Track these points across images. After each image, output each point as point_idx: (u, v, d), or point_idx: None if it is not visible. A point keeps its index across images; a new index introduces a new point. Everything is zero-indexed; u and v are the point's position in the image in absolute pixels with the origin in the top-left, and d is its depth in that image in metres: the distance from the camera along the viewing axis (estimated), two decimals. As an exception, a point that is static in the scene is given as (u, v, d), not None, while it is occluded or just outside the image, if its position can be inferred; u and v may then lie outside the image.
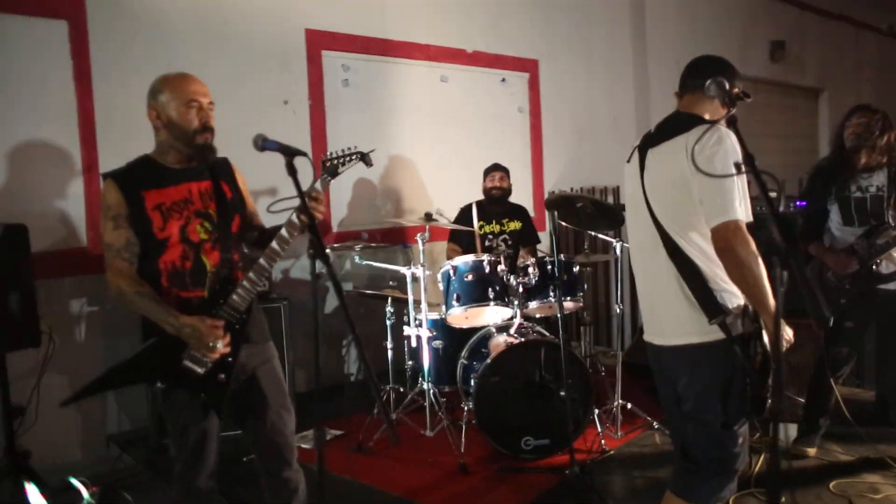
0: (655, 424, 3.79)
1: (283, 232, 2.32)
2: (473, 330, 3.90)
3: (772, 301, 1.99)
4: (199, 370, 2.25)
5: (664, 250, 2.20)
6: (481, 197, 4.87)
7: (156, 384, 2.26)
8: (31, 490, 3.05)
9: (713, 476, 2.19)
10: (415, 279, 3.85)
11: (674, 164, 2.16)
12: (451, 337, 3.97)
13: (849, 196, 3.41)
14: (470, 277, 3.70)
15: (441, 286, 3.88)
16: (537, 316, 3.97)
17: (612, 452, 3.60)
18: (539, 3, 6.37)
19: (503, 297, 3.70)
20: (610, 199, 6.85)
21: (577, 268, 3.83)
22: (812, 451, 3.57)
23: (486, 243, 4.62)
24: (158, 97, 2.35)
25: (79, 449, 3.90)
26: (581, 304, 3.88)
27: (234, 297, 2.30)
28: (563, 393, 3.35)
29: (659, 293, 2.26)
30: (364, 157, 2.55)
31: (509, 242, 4.67)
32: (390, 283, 4.86)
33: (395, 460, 3.59)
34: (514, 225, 4.75)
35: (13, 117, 3.70)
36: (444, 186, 5.65)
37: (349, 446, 3.74)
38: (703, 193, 2.09)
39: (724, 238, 2.06)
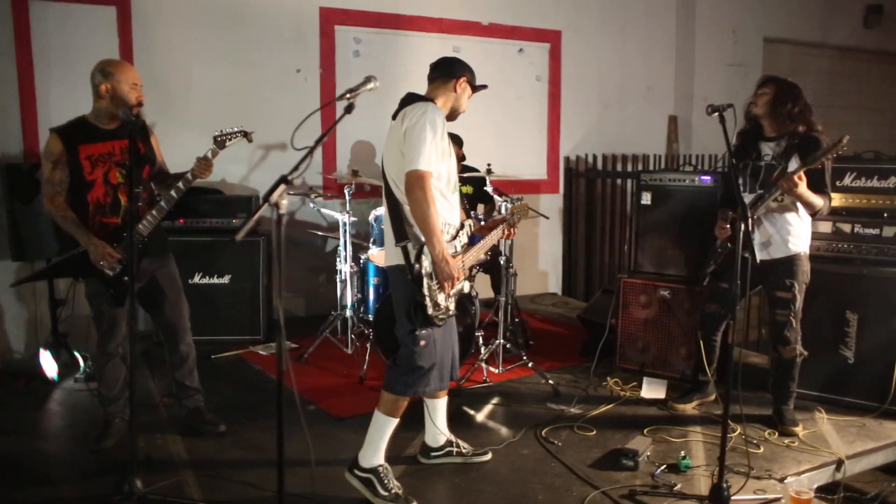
0: (530, 364, 4.33)
1: (180, 184, 3.17)
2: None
3: (438, 241, 2.66)
4: (108, 272, 3.20)
5: (385, 194, 2.85)
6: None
7: (79, 278, 3.27)
8: (45, 355, 4.27)
9: (405, 372, 2.85)
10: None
11: (399, 129, 2.77)
12: (383, 275, 4.73)
13: (748, 164, 3.60)
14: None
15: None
16: None
17: (489, 383, 4.22)
18: (567, -24, 6.70)
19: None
20: (639, 166, 7.13)
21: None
22: (684, 406, 3.89)
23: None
24: (110, 77, 3.19)
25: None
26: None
27: (140, 226, 3.21)
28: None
29: (385, 227, 2.91)
30: (246, 135, 3.24)
31: (465, 203, 5.26)
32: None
33: (319, 369, 4.46)
34: (467, 189, 5.32)
35: (71, 87, 4.87)
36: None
37: (294, 356, 4.66)
38: (405, 148, 2.72)
39: (409, 182, 2.69)
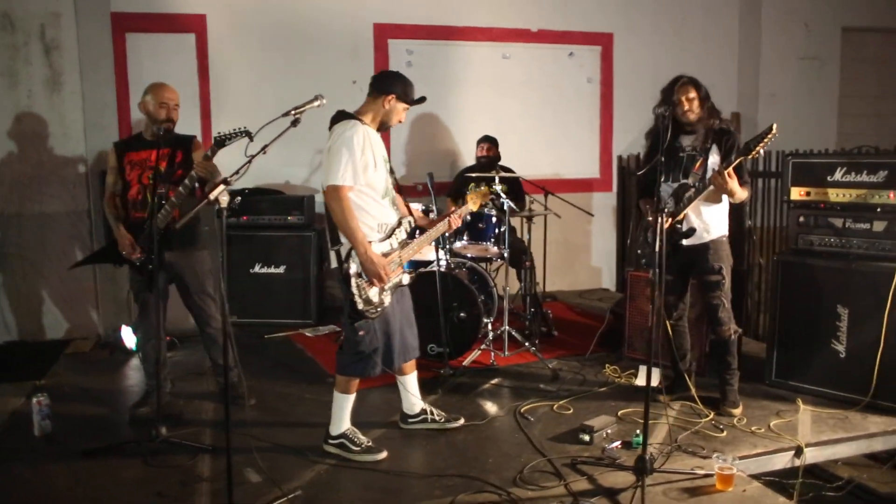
0: (532, 349, 4.64)
1: (186, 181, 3.71)
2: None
3: (360, 243, 3.11)
4: (135, 261, 3.84)
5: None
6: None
7: (118, 264, 3.96)
8: (126, 330, 5.11)
9: (350, 357, 3.32)
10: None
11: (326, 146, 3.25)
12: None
13: (671, 155, 3.76)
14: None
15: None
16: (469, 255, 4.97)
17: (495, 365, 4.59)
18: (619, -22, 6.87)
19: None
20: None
21: (494, 219, 4.78)
22: (665, 397, 3.99)
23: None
24: (146, 96, 3.88)
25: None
26: (494, 250, 4.81)
27: (157, 218, 3.80)
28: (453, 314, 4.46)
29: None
30: (248, 134, 3.50)
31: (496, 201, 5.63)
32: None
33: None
34: (503, 186, 5.66)
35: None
36: (505, 149, 6.61)
37: (333, 339, 5.25)
38: (325, 165, 3.21)
39: (326, 195, 3.17)
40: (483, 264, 5.13)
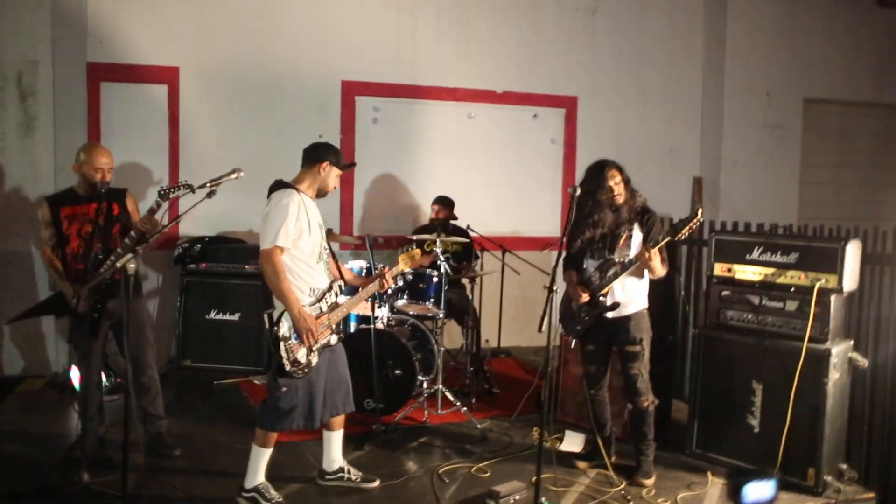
0: (463, 409, 4.75)
1: (132, 233, 3.84)
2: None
3: (292, 303, 3.27)
4: (79, 309, 3.96)
5: None
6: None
7: (61, 315, 4.10)
8: (74, 370, 5.22)
9: (270, 411, 3.44)
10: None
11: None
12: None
13: (595, 233, 3.92)
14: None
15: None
16: (410, 312, 5.11)
17: (427, 423, 4.69)
18: (582, 43, 7.13)
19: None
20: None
21: (435, 279, 4.93)
22: (584, 464, 4.16)
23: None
24: (80, 157, 4.02)
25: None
26: (429, 308, 4.95)
27: (101, 269, 3.94)
28: (386, 371, 4.59)
29: None
30: (190, 187, 3.75)
31: (450, 259, 5.78)
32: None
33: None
34: (455, 247, 5.85)
35: (124, 149, 5.94)
36: (468, 206, 6.77)
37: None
38: (260, 230, 3.39)
39: (260, 258, 3.35)
40: (427, 322, 5.26)
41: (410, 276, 4.96)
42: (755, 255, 4.08)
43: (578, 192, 3.66)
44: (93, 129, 5.90)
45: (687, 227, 3.67)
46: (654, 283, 4.03)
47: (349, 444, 4.29)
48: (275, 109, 6.34)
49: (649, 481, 3.92)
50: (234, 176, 3.37)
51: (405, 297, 4.98)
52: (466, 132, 6.88)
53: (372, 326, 4.51)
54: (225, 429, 4.58)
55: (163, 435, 4.15)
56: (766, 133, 7.71)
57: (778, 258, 3.99)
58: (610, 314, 3.92)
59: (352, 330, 5.26)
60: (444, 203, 5.90)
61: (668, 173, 7.49)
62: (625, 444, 4.32)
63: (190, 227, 6.12)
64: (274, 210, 3.35)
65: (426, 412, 4.75)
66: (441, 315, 4.86)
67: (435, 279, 4.94)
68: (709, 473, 4.03)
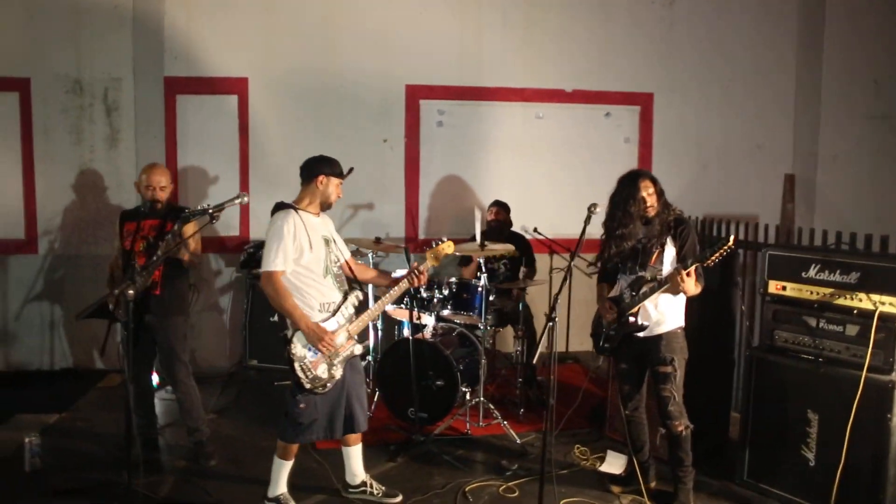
0: (503, 423, 4.62)
1: (158, 252, 3.99)
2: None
3: (298, 318, 3.35)
4: (119, 317, 4.19)
5: None
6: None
7: (108, 319, 4.34)
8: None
9: (290, 425, 3.50)
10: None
11: None
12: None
13: (627, 247, 3.70)
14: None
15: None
16: (457, 321, 5.04)
17: (470, 435, 4.63)
18: (658, 36, 6.75)
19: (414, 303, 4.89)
20: (740, 229, 6.86)
21: (479, 289, 4.83)
22: (618, 488, 3.97)
23: (489, 266, 5.66)
24: (141, 176, 4.27)
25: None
26: (472, 319, 4.86)
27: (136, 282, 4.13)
28: (429, 382, 4.57)
29: None
30: (208, 213, 3.62)
31: (508, 265, 5.67)
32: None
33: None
34: (513, 253, 5.71)
35: (198, 158, 6.26)
36: (536, 208, 6.63)
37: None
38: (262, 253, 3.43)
39: (263, 280, 3.38)
40: (478, 331, 5.19)
41: (455, 287, 4.90)
42: (812, 272, 3.71)
43: (598, 210, 3.48)
44: (170, 140, 6.23)
45: (716, 254, 3.34)
46: (710, 295, 3.77)
47: (384, 454, 4.33)
48: (339, 115, 6.44)
49: None
50: (237, 201, 3.46)
51: (449, 307, 4.92)
52: (534, 133, 6.70)
53: (409, 336, 4.50)
54: (271, 432, 4.67)
55: (203, 444, 4.31)
56: (871, 125, 7.02)
57: (837, 277, 3.61)
58: (641, 334, 3.70)
59: (399, 337, 5.28)
60: (502, 206, 5.78)
61: (756, 171, 6.98)
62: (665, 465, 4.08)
63: (259, 231, 6.37)
64: (270, 233, 3.43)
65: (468, 424, 4.70)
66: (480, 327, 4.78)
67: (479, 289, 4.85)
68: (752, 508, 3.73)
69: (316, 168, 3.58)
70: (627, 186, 3.70)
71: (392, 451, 4.36)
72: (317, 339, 3.36)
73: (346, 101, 6.43)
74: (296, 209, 3.50)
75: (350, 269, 3.72)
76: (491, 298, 4.97)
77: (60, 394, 5.43)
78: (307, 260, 3.44)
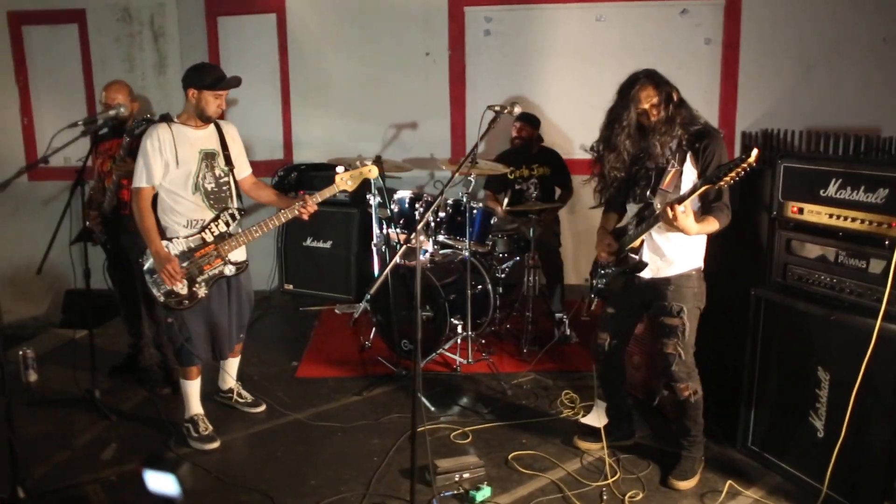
0: (490, 361, 4.15)
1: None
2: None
3: (150, 241, 3.24)
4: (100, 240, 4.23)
5: None
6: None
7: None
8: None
9: (172, 345, 3.38)
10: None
11: None
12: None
13: (637, 167, 3.00)
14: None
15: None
16: (458, 247, 4.52)
17: (457, 372, 4.23)
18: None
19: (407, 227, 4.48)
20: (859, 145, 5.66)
21: (476, 213, 4.30)
22: (587, 445, 3.39)
23: (517, 187, 5.08)
24: (101, 94, 4.17)
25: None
26: (471, 244, 4.32)
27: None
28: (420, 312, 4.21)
29: None
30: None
31: (538, 186, 5.05)
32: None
33: (346, 338, 4.97)
34: (543, 170, 5.05)
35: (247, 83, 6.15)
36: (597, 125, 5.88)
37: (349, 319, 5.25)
38: None
39: (131, 198, 3.33)
40: (490, 258, 4.69)
41: (450, 209, 4.43)
42: (831, 190, 2.82)
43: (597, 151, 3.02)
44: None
45: (732, 173, 2.50)
46: (738, 228, 2.99)
47: (355, 386, 4.09)
48: (379, 29, 6.04)
49: (684, 484, 3.03)
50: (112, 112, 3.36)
51: (442, 232, 4.46)
52: (595, 38, 5.87)
53: (389, 263, 4.11)
54: (266, 359, 4.61)
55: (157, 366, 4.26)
56: None
57: (860, 196, 2.71)
58: (643, 274, 3.01)
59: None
60: (527, 121, 5.12)
61: (879, 73, 5.65)
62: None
63: (302, 154, 6.24)
64: (139, 150, 3.30)
65: (458, 360, 4.30)
66: (466, 253, 4.29)
67: (475, 212, 4.35)
68: (728, 483, 3.01)
69: (186, 80, 3.36)
70: (623, 97, 2.97)
71: (368, 383, 4.10)
72: (160, 266, 3.25)
73: (385, 13, 6.02)
74: (170, 123, 3.34)
75: (245, 186, 3.57)
76: (494, 222, 4.43)
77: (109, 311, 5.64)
78: (172, 175, 3.31)
